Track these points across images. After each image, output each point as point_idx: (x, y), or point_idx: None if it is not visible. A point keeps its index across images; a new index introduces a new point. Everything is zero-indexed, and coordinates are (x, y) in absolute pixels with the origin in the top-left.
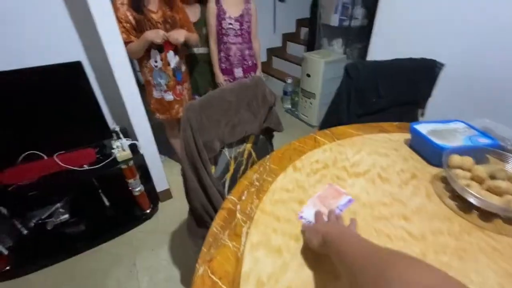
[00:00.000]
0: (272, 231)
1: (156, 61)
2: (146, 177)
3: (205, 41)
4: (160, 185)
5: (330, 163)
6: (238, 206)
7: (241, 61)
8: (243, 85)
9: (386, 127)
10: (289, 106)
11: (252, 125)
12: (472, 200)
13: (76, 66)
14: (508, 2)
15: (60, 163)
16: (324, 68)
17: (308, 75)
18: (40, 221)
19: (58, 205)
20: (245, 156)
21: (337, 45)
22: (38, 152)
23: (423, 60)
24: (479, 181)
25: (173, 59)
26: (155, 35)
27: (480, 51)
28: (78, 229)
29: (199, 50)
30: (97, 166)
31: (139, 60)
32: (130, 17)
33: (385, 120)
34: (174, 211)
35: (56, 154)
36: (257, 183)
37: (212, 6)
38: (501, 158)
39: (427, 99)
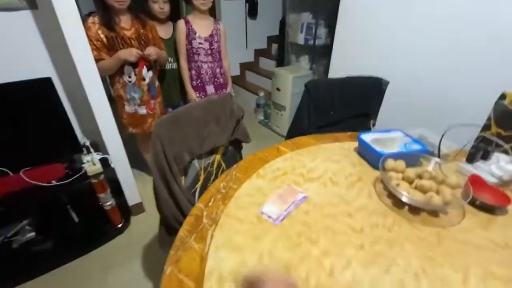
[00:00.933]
0: (234, 232)
1: (130, 77)
2: (117, 191)
3: (178, 57)
4: (132, 199)
5: (289, 170)
6: (205, 212)
7: (212, 79)
8: (210, 102)
9: (340, 137)
10: (262, 118)
11: (220, 137)
12: (401, 197)
13: (46, 82)
14: (443, 33)
15: (26, 179)
16: (292, 83)
17: (278, 89)
18: (5, 240)
19: (25, 222)
20: (215, 166)
21: (304, 62)
22: (3, 168)
23: (371, 78)
24: (409, 181)
25: (147, 74)
26: (129, 54)
27: (420, 71)
28: (46, 247)
29: (172, 66)
30: (66, 182)
31: (111, 76)
32: (102, 36)
33: (342, 131)
34: (147, 225)
35: (23, 170)
36: (223, 191)
37: (181, 26)
38: (428, 161)
39: (377, 112)
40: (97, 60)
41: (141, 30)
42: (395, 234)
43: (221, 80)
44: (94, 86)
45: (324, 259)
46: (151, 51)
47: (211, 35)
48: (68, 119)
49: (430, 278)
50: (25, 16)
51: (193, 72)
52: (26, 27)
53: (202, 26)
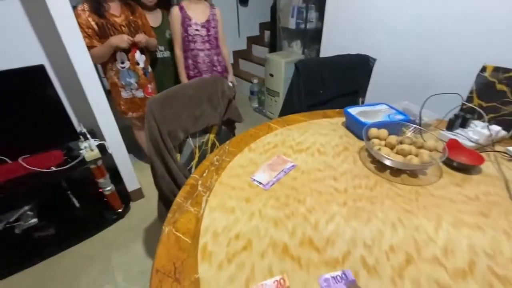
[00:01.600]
0: (227, 197)
1: (123, 62)
2: (116, 177)
3: (169, 45)
4: (131, 184)
5: (279, 144)
6: (200, 181)
7: (210, 67)
8: (202, 81)
9: (329, 113)
10: (257, 105)
11: (213, 117)
12: (383, 160)
13: (39, 70)
14: (427, 9)
15: (26, 165)
16: (284, 68)
17: (271, 75)
18: (7, 225)
19: (26, 208)
20: (209, 145)
21: (296, 47)
22: (1, 157)
23: (359, 56)
24: (391, 147)
25: (141, 58)
26: (120, 40)
27: (405, 48)
28: (48, 231)
29: (163, 54)
30: (65, 167)
31: (103, 64)
32: (92, 23)
33: (332, 109)
34: (146, 210)
35: (21, 157)
36: (217, 163)
37: (176, 13)
38: (410, 130)
39: (366, 89)
40: (89, 47)
41: (131, 17)
42: (376, 193)
43: (219, 68)
44: (87, 73)
45: (309, 215)
46: (141, 38)
47: (208, 21)
48: (63, 106)
49: (406, 227)
50: (13, 4)
51: (190, 61)
52: (16, 15)
53: (197, 12)
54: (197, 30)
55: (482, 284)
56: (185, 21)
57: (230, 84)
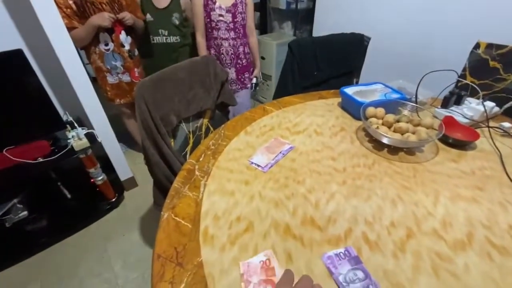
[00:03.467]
0: (226, 180)
1: (107, 44)
2: (108, 167)
3: (176, 30)
4: (123, 174)
5: (276, 126)
6: (197, 166)
7: (234, 60)
8: (194, 63)
9: (324, 94)
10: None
11: (206, 100)
12: (381, 138)
13: (17, 54)
14: None
15: (11, 157)
16: (276, 50)
17: (263, 58)
18: None
19: (15, 200)
20: (203, 130)
21: (287, 28)
22: None
23: (353, 35)
24: (388, 125)
25: (126, 40)
26: (101, 19)
27: (399, 26)
28: (40, 224)
29: (166, 40)
30: (52, 158)
31: (86, 48)
32: (70, 2)
33: (327, 90)
34: (141, 198)
35: (6, 149)
36: (213, 147)
37: None
38: (406, 108)
39: (360, 69)
40: (69, 28)
41: None
42: (374, 171)
43: (244, 61)
44: (69, 56)
45: (309, 195)
46: (125, 14)
47: (235, 4)
48: (46, 93)
49: (405, 203)
50: None
51: (212, 51)
52: None
53: None
54: (221, 15)
55: (480, 254)
56: (208, 4)
57: (254, 80)
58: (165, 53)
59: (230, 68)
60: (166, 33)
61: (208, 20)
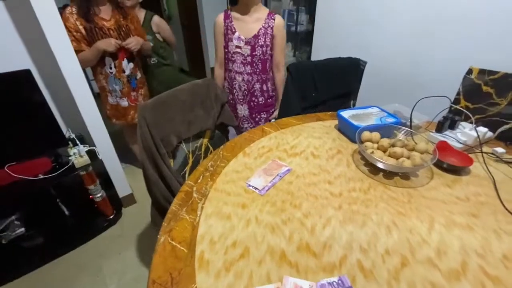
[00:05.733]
0: (223, 203)
1: (111, 68)
2: (107, 183)
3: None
4: (122, 190)
5: (273, 147)
6: (195, 188)
7: (247, 97)
8: (195, 85)
9: (321, 116)
10: None
11: (206, 121)
12: (376, 163)
13: (25, 75)
14: (415, 13)
15: (11, 173)
16: None
17: None
18: None
19: (13, 217)
20: (203, 150)
21: (287, 49)
22: None
23: (350, 59)
24: (383, 149)
25: (127, 66)
26: (107, 44)
27: (395, 51)
28: (37, 241)
29: (154, 61)
30: (53, 175)
31: (93, 68)
32: (80, 27)
33: (324, 111)
34: (139, 216)
35: (7, 165)
36: (211, 169)
37: (219, 22)
38: (401, 132)
39: (357, 92)
40: (77, 51)
41: (122, 21)
42: (370, 196)
43: (261, 100)
44: (75, 77)
45: (306, 220)
46: (131, 41)
47: (256, 36)
48: (50, 111)
49: (400, 229)
50: None
51: (225, 84)
52: (0, 18)
53: (246, 23)
54: (238, 47)
55: (474, 284)
56: (227, 33)
57: (273, 121)
58: (152, 73)
59: (242, 105)
60: (151, 54)
61: (226, 50)
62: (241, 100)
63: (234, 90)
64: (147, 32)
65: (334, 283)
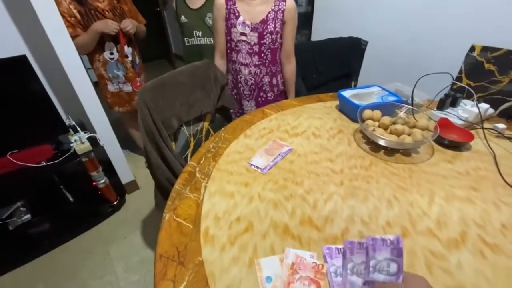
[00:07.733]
0: (226, 182)
1: (112, 53)
2: (109, 170)
3: (211, 30)
4: (125, 177)
5: (274, 129)
6: (197, 168)
7: (254, 92)
8: (194, 67)
9: (322, 97)
10: None
11: (206, 104)
12: (377, 140)
13: (21, 60)
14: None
15: (14, 161)
16: None
17: None
18: (0, 222)
19: (19, 204)
20: (204, 133)
21: None
22: None
23: (350, 39)
24: (384, 127)
25: (128, 51)
26: (104, 25)
27: (396, 29)
28: (43, 227)
29: (200, 41)
30: (56, 161)
31: (90, 55)
32: (74, 11)
33: (325, 93)
34: (142, 201)
35: (9, 153)
36: (213, 150)
37: (219, 3)
38: (402, 110)
39: (358, 72)
40: (73, 37)
41: (115, 2)
42: (371, 172)
43: (270, 95)
44: (73, 63)
45: (308, 196)
46: (128, 24)
47: (264, 21)
48: (49, 98)
49: (401, 203)
50: None
51: (229, 77)
52: None
53: (253, 6)
54: (243, 33)
55: (473, 252)
56: (230, 18)
57: None
58: (198, 56)
59: (249, 101)
60: (200, 34)
61: (228, 38)
62: (247, 96)
63: (240, 84)
64: (209, 10)
65: (389, 240)
